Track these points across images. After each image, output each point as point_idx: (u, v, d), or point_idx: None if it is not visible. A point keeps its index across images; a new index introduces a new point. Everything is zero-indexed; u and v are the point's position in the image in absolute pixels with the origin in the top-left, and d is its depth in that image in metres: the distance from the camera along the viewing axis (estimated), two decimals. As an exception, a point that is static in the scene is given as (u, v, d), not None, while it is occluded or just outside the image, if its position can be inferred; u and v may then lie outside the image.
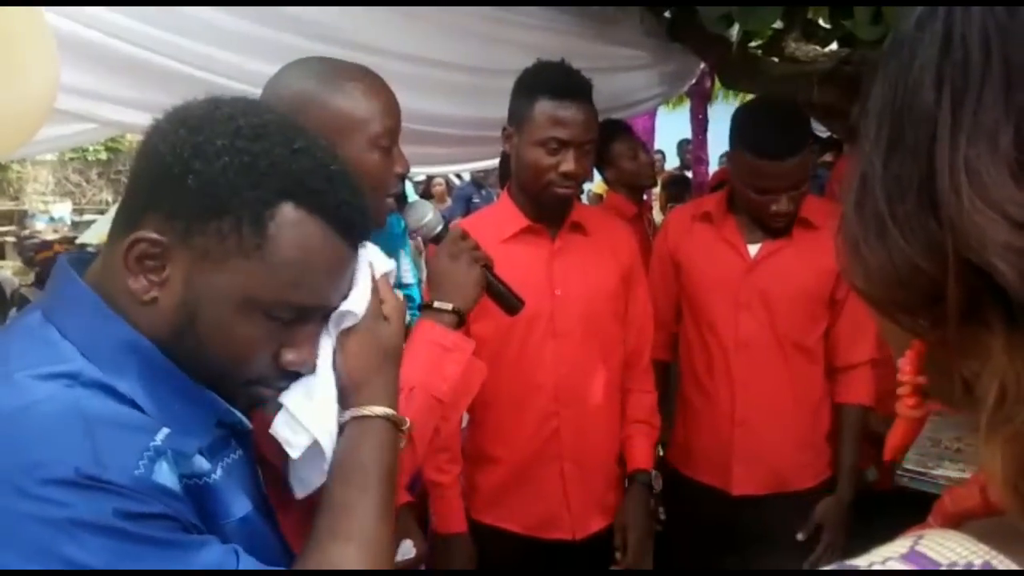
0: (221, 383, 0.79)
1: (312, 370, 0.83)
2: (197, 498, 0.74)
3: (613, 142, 3.14)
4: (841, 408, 1.99)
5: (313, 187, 0.76)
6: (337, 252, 0.79)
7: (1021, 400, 0.36)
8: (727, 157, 1.98)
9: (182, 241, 0.73)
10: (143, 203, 0.75)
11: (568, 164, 1.64)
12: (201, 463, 0.76)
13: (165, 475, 0.70)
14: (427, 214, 1.34)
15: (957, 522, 0.44)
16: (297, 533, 0.87)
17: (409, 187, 6.63)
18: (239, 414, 0.81)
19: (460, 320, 1.28)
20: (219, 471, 0.79)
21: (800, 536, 1.92)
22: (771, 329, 1.91)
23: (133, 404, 0.72)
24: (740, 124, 1.87)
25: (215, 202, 0.73)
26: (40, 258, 4.98)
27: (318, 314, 0.83)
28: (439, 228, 1.35)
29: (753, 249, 1.95)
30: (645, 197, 3.85)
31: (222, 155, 0.73)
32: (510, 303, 1.40)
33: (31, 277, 5.31)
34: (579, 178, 1.68)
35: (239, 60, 1.72)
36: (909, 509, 0.47)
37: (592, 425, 1.80)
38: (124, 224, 0.76)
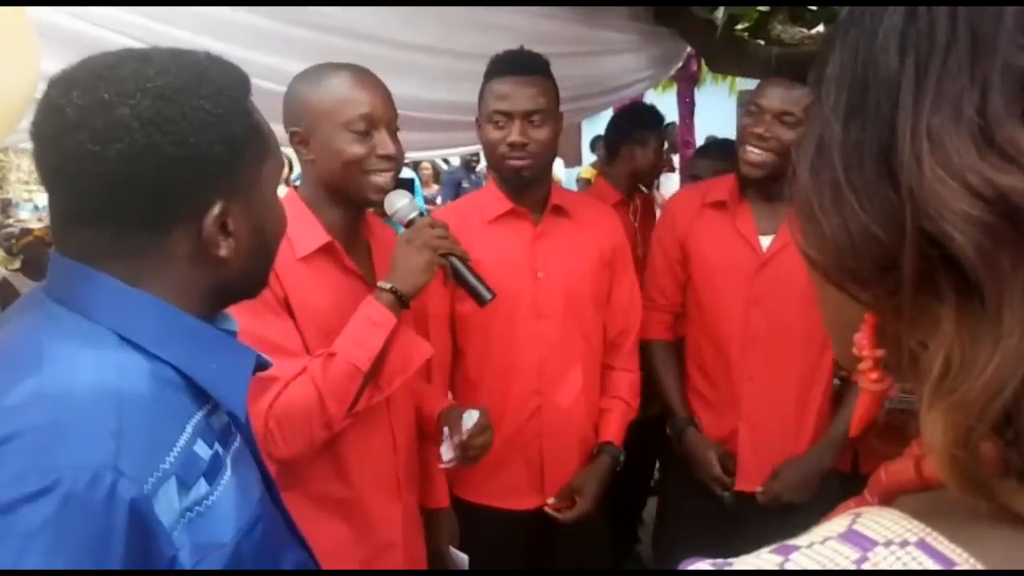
0: (274, 254, 0.93)
1: None
2: (192, 531, 0.73)
3: (634, 130, 2.94)
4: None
5: (240, 80, 0.86)
6: None
7: (965, 370, 0.36)
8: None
9: (231, 194, 0.81)
10: (186, 197, 0.77)
11: (513, 135, 1.67)
12: (199, 489, 0.75)
13: (167, 502, 0.71)
14: (398, 202, 1.44)
15: (891, 496, 0.44)
16: None
17: (412, 174, 6.67)
18: (265, 356, 0.91)
19: (399, 299, 1.37)
20: (227, 471, 0.80)
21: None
22: (781, 324, 1.85)
23: (176, 370, 0.78)
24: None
25: (240, 146, 0.81)
26: (22, 244, 4.92)
27: None
28: (412, 215, 1.45)
29: (765, 241, 1.89)
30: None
31: (215, 109, 0.78)
32: (478, 294, 1.46)
33: (16, 263, 5.25)
34: (527, 148, 1.68)
35: (215, 45, 1.69)
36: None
37: (573, 405, 1.82)
38: (167, 217, 0.77)
